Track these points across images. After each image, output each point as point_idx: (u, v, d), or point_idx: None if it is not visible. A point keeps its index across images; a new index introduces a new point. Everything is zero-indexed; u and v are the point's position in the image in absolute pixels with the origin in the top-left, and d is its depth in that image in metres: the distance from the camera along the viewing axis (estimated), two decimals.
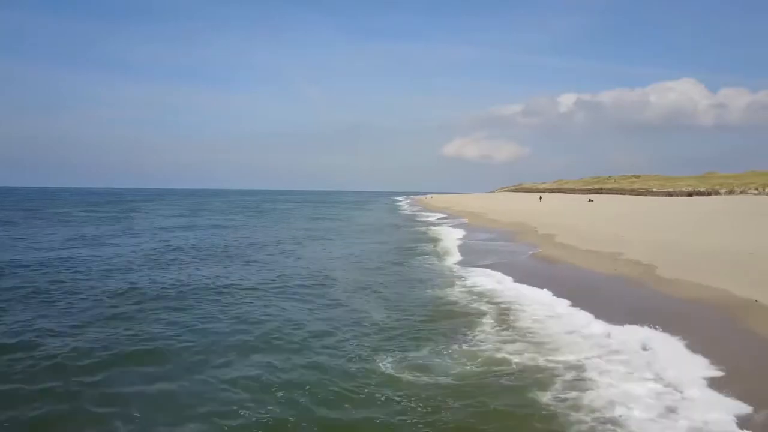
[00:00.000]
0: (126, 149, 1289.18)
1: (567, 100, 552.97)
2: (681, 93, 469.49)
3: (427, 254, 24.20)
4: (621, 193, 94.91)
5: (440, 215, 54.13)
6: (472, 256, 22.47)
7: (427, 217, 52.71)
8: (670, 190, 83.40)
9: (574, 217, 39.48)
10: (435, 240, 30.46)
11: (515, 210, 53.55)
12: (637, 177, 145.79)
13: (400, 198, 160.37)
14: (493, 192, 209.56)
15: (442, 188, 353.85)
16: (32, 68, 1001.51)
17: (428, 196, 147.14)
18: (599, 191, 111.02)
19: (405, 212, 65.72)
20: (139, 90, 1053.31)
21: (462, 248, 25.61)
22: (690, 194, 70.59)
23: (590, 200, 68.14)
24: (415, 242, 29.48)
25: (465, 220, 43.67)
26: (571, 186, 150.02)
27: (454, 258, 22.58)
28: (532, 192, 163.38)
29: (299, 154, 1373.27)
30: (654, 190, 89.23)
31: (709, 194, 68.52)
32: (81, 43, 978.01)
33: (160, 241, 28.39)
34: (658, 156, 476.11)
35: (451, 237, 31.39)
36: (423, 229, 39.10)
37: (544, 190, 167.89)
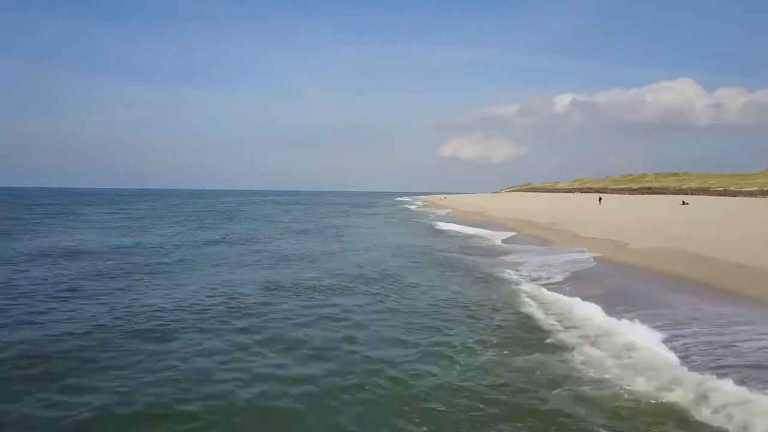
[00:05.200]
0: (126, 149, 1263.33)
1: (563, 101, 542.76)
2: (678, 93, 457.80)
3: None
4: (685, 193, 75.10)
5: (510, 237, 33.84)
6: None
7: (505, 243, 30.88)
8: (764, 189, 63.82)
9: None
10: None
11: (600, 221, 33.83)
12: (677, 174, 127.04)
13: (404, 199, 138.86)
14: (498, 192, 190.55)
15: (440, 189, 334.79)
16: (32, 68, 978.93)
17: (440, 197, 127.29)
18: (649, 191, 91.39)
19: (439, 226, 45.63)
20: (139, 90, 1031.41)
21: None
22: None
23: (684, 203, 48.50)
24: None
25: (593, 254, 21.73)
26: (599, 185, 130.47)
27: None
28: (546, 192, 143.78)
29: (298, 154, 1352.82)
30: (732, 189, 69.58)
31: None
32: (81, 43, 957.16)
33: None
34: (658, 156, 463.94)
35: None
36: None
37: (560, 190, 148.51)
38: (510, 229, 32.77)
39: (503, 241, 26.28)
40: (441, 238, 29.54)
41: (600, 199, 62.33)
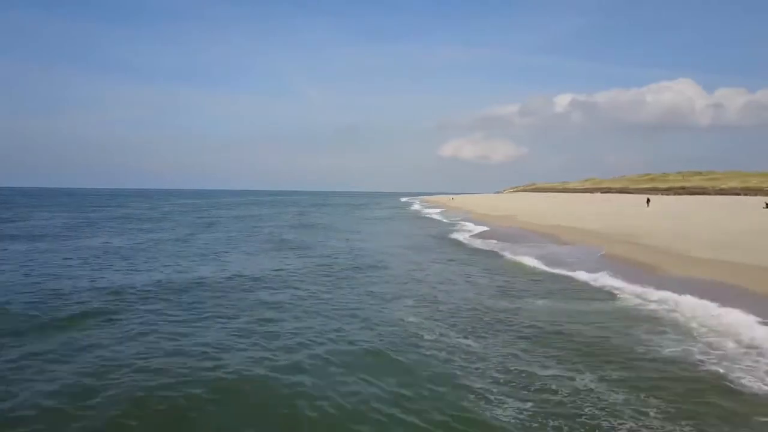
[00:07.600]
0: (126, 149, 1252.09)
1: (563, 101, 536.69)
2: (677, 93, 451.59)
3: None
4: (737, 194, 66.00)
5: None
6: None
7: None
8: None
9: None
10: None
11: (692, 231, 25.07)
12: (701, 173, 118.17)
13: (410, 200, 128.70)
14: (501, 192, 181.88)
15: (440, 189, 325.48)
16: (32, 68, 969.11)
17: (449, 197, 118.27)
18: (683, 191, 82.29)
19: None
20: (139, 90, 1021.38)
21: None
22: None
23: None
24: None
25: None
26: (618, 185, 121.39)
27: None
28: (556, 192, 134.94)
29: (299, 154, 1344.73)
30: None
31: None
32: (81, 43, 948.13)
33: None
34: (658, 156, 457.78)
35: None
36: None
37: (572, 190, 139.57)
38: (567, 243, 23.76)
39: (601, 271, 16.70)
40: (519, 275, 19.71)
41: (648, 200, 53.20)
